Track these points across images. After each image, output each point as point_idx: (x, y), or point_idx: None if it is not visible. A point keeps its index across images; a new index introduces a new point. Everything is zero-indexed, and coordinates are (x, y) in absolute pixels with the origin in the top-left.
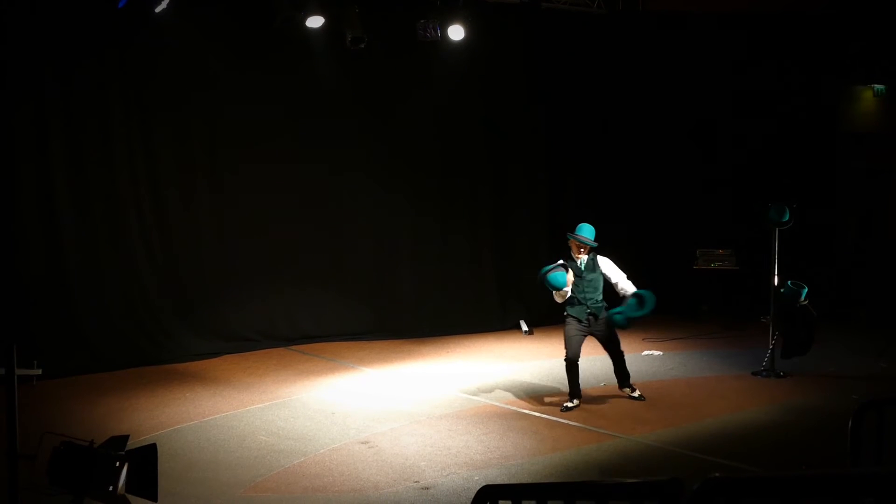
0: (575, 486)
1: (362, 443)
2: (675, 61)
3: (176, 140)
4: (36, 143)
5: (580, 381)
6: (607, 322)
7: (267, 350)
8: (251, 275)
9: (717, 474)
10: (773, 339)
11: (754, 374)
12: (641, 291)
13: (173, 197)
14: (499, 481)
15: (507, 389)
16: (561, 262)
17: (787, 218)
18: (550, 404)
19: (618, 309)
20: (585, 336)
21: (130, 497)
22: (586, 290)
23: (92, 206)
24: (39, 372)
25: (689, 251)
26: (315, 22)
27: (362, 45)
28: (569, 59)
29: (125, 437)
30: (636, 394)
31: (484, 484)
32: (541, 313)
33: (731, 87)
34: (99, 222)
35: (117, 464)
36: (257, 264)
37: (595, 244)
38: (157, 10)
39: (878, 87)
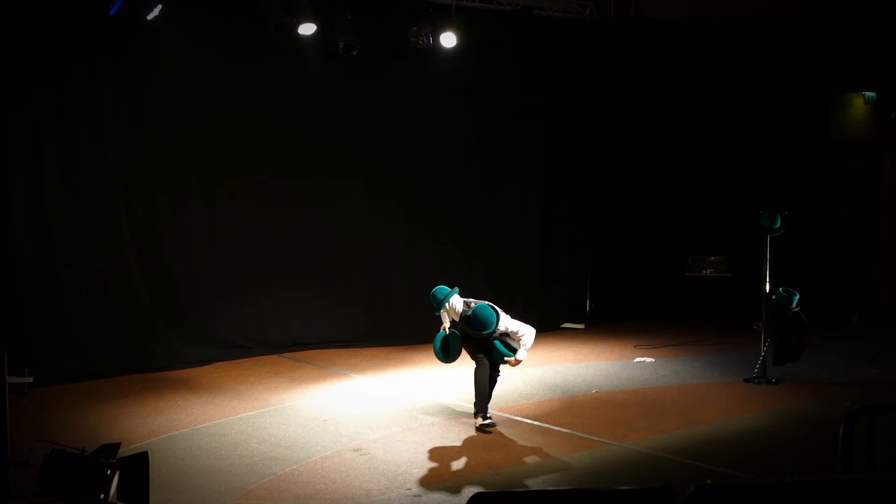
0: (567, 494)
1: (354, 450)
2: (666, 68)
3: (168, 147)
4: (28, 150)
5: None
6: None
7: (259, 357)
8: (243, 282)
9: (708, 481)
10: (764, 346)
11: (746, 380)
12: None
13: (165, 204)
14: (490, 489)
15: (499, 396)
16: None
17: (778, 225)
18: (542, 411)
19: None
20: None
21: None
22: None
23: (84, 214)
24: (31, 379)
25: (681, 258)
26: (307, 29)
27: (354, 52)
28: (561, 65)
29: (117, 445)
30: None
31: (476, 492)
32: (532, 320)
33: (723, 94)
34: (91, 229)
35: (109, 471)
36: (250, 271)
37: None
38: (150, 16)
39: (868, 94)
